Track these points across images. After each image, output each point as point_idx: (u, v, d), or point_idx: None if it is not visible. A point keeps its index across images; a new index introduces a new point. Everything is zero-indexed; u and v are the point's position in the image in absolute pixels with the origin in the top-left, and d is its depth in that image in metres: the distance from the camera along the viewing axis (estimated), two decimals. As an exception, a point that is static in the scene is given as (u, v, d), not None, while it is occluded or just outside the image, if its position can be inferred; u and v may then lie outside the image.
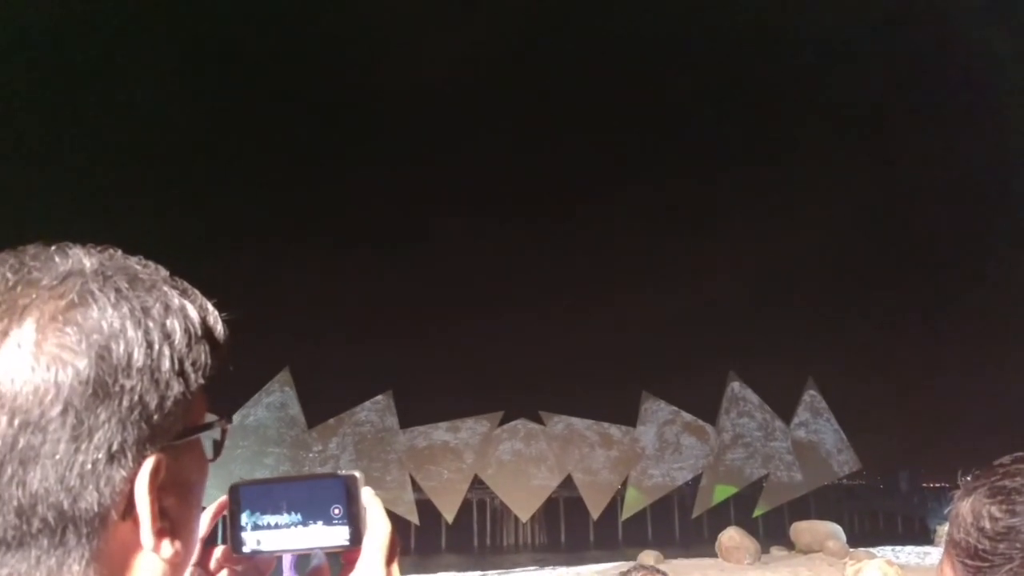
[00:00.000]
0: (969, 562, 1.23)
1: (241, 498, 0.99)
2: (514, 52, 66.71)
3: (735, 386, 50.94)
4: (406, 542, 44.53)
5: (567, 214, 72.30)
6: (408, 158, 67.50)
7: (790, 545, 31.30)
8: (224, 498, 0.99)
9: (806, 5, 58.31)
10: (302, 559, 1.02)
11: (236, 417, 44.09)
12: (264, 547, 0.98)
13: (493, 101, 66.50)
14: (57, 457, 0.75)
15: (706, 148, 68.08)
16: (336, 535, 0.97)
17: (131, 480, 0.79)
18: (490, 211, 68.84)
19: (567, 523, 50.59)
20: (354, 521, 0.98)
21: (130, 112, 57.17)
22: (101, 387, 0.77)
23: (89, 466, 0.77)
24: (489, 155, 67.36)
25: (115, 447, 0.78)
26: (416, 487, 46.17)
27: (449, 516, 46.14)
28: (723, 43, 63.40)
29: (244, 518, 0.98)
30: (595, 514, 47.64)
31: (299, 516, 0.97)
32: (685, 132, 68.64)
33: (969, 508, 1.26)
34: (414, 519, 45.01)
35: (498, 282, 65.11)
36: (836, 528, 30.40)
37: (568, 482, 47.92)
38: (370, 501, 1.00)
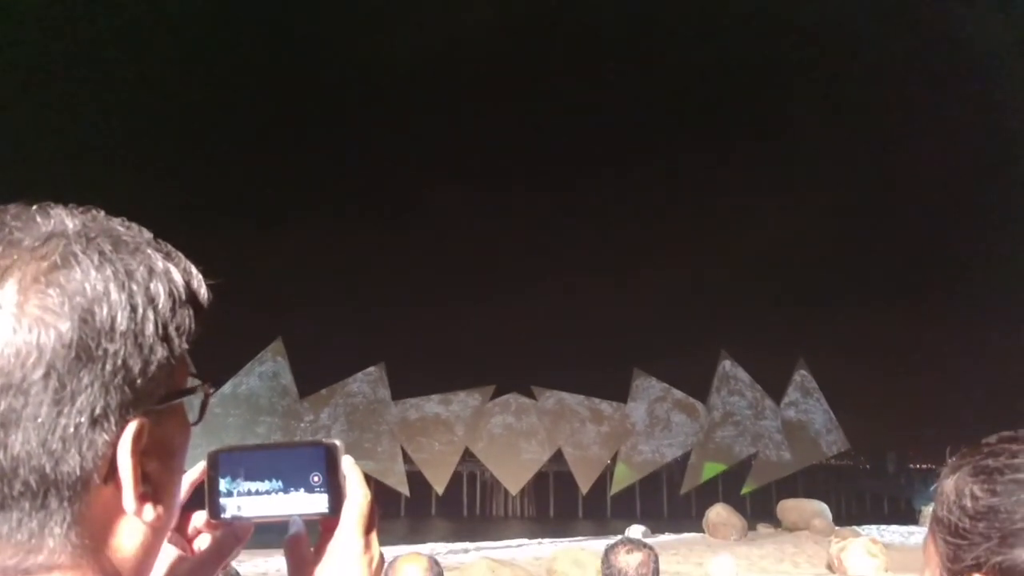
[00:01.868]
0: (950, 539, 1.25)
1: (220, 464, 0.98)
2: (517, 24, 66.29)
3: (726, 364, 51.18)
4: (396, 512, 44.84)
5: (563, 191, 72.21)
6: (405, 130, 67.13)
7: (777, 523, 31.60)
8: (203, 464, 0.98)
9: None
10: None
11: (228, 386, 44.12)
12: (243, 513, 0.97)
13: (493, 73, 66.06)
14: (39, 420, 0.74)
15: (701, 130, 67.91)
16: (316, 503, 0.97)
17: (113, 444, 0.78)
18: (487, 185, 68.66)
19: (556, 497, 50.99)
20: (334, 489, 0.97)
21: (124, 77, 56.72)
22: (84, 350, 0.75)
23: (71, 430, 0.76)
24: (487, 130, 67.06)
25: (98, 411, 0.77)
26: (407, 459, 46.41)
27: (439, 488, 46.42)
28: (722, 24, 63.06)
29: (224, 484, 0.97)
30: (584, 488, 47.98)
31: (279, 483, 0.96)
32: (682, 113, 68.42)
33: (953, 486, 1.27)
34: (405, 490, 45.29)
35: (494, 256, 65.09)
36: (823, 507, 30.69)
37: (558, 456, 48.22)
38: (350, 470, 0.99)
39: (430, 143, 67.35)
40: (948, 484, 1.24)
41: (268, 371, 46.51)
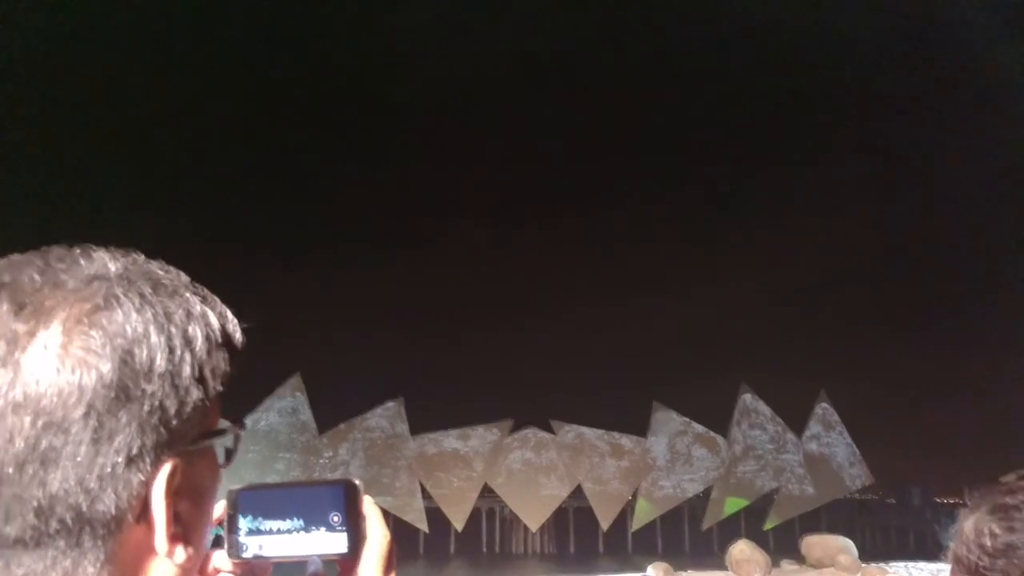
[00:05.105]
0: None
1: (240, 503, 0.99)
2: (531, 56, 66.85)
3: (747, 398, 50.75)
4: (415, 549, 44.53)
5: (580, 221, 72.31)
6: (421, 163, 67.69)
7: (801, 559, 31.10)
8: (222, 503, 0.99)
9: (826, 13, 58.31)
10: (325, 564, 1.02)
11: (247, 422, 44.06)
12: (263, 552, 0.97)
13: (507, 105, 66.61)
14: (78, 459, 0.76)
15: (721, 157, 68.02)
16: (335, 543, 0.97)
17: (148, 484, 0.81)
18: (503, 218, 68.87)
19: (577, 533, 50.42)
20: (353, 529, 0.98)
21: (142, 116, 57.59)
22: (123, 391, 0.78)
23: (108, 469, 0.78)
24: (503, 160, 67.50)
25: (134, 451, 0.79)
26: (426, 494, 46.17)
27: (458, 524, 46.09)
28: (741, 51, 63.42)
29: (244, 523, 0.98)
30: (605, 525, 47.48)
31: (299, 522, 0.97)
32: (701, 140, 68.60)
33: (972, 525, 1.27)
34: (423, 526, 44.99)
35: (510, 289, 65.07)
36: (848, 543, 30.20)
37: (578, 492, 47.79)
38: (369, 510, 1.00)
39: (446, 176, 67.82)
40: (967, 523, 1.25)
41: (287, 407, 46.56)
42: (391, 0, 62.86)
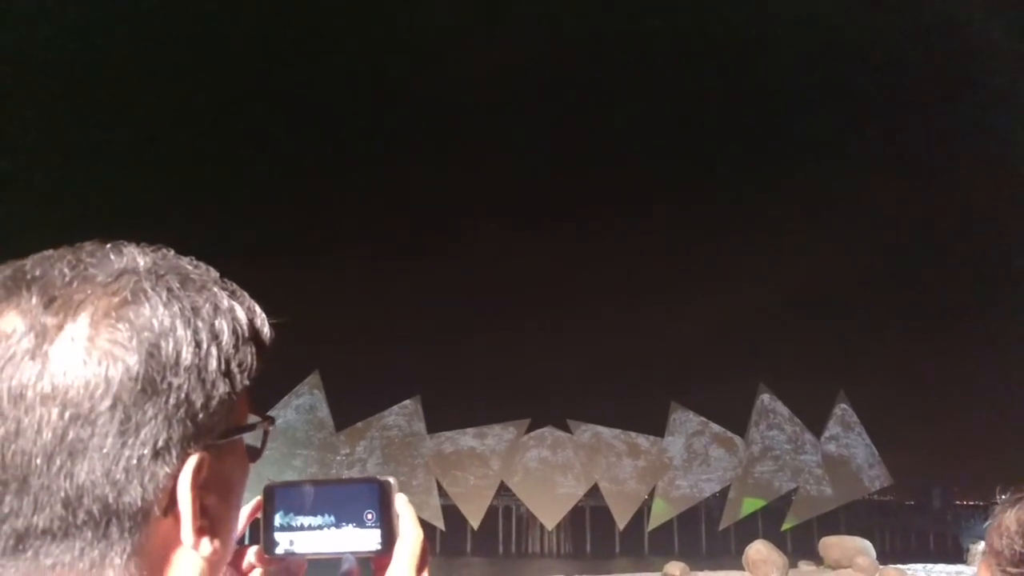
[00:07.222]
0: (1012, 569, 1.25)
1: (275, 499, 0.99)
2: (550, 63, 66.84)
3: (765, 398, 50.52)
4: (431, 547, 44.53)
5: (598, 223, 72.26)
6: (439, 166, 67.81)
7: (818, 560, 30.91)
8: (259, 499, 1.00)
9: (844, 18, 57.90)
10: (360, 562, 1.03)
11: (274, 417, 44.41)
12: (296, 549, 0.98)
13: (526, 110, 66.68)
14: (104, 451, 0.77)
15: (741, 159, 67.78)
16: (368, 540, 0.98)
17: (174, 477, 0.81)
18: (521, 220, 68.94)
19: (593, 532, 50.37)
20: (387, 527, 0.98)
21: (171, 121, 58.02)
22: (149, 384, 0.78)
23: (135, 461, 0.78)
24: (520, 164, 67.52)
25: (160, 443, 0.79)
26: (442, 492, 46.28)
27: (475, 522, 46.17)
28: (759, 55, 63.09)
29: (277, 519, 0.98)
30: (621, 524, 47.43)
31: (332, 519, 0.98)
32: (719, 143, 68.36)
33: (1014, 517, 1.28)
34: (440, 524, 45.09)
35: (528, 290, 65.07)
36: (866, 544, 29.95)
37: (594, 491, 47.77)
38: (403, 508, 1.01)
39: (466, 178, 67.90)
40: (1008, 516, 1.27)
41: (305, 404, 46.81)
42: (412, 3, 63.00)
